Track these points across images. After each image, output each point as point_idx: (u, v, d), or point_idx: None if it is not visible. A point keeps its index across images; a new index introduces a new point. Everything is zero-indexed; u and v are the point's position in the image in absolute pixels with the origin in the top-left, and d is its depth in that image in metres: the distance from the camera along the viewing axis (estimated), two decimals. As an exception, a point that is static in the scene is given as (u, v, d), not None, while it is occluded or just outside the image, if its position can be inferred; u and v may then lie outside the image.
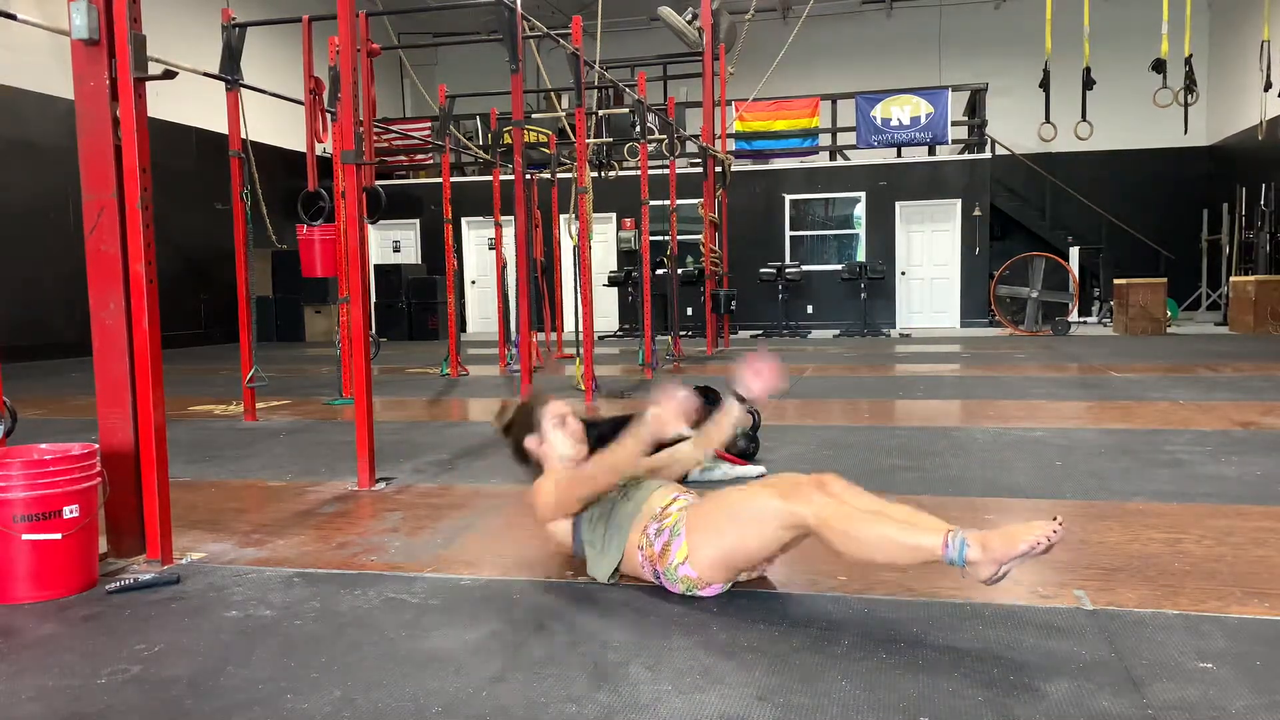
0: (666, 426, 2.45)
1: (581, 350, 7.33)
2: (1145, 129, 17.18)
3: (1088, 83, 12.84)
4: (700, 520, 2.48)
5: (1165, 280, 13.79)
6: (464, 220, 16.33)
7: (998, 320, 14.82)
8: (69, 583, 2.68)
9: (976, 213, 15.65)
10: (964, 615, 2.37)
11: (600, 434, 4.00)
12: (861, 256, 16.08)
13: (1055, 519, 2.09)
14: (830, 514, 2.27)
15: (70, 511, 2.67)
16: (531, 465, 2.88)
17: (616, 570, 2.64)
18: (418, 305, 15.64)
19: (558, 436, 2.82)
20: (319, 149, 7.09)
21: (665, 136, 11.33)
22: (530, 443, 2.85)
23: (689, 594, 2.51)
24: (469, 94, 9.99)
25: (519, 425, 2.88)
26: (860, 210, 16.29)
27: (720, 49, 13.33)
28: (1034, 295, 14.06)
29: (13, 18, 4.65)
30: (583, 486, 2.61)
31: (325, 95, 6.84)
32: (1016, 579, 2.66)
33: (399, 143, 15.81)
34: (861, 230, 16.29)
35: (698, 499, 2.65)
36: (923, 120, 15.38)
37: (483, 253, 16.59)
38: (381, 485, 4.11)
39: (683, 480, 3.94)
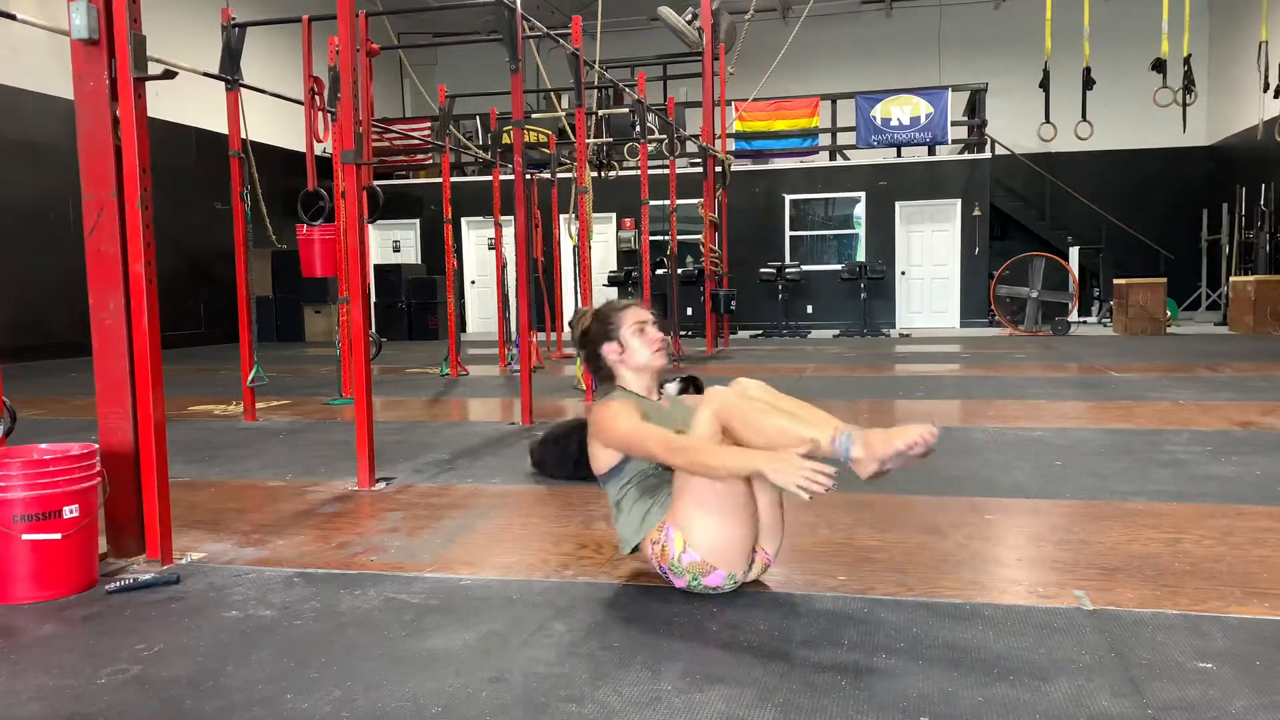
0: (781, 479, 2.23)
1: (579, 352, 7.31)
2: (1145, 129, 17.18)
3: (1088, 83, 12.85)
4: (674, 504, 2.49)
5: (1165, 280, 13.79)
6: (464, 220, 16.33)
7: (998, 320, 14.83)
8: (69, 583, 2.68)
9: (976, 213, 15.65)
10: (964, 615, 2.37)
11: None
12: (861, 256, 16.09)
13: (932, 423, 2.27)
14: (733, 406, 2.41)
15: (70, 511, 2.67)
16: (605, 375, 2.77)
17: (636, 548, 2.62)
18: (418, 305, 15.64)
19: (637, 344, 2.70)
20: (319, 149, 7.09)
21: (665, 136, 11.34)
22: (608, 349, 2.72)
23: (694, 586, 2.51)
24: (469, 94, 9.98)
25: (596, 332, 2.75)
26: (860, 210, 16.29)
27: (720, 49, 13.32)
28: (1034, 295, 14.06)
29: (13, 18, 4.65)
30: (658, 450, 2.44)
31: (325, 95, 6.84)
32: (1016, 579, 2.67)
33: (399, 143, 15.80)
34: (861, 230, 16.29)
35: None
36: (922, 120, 15.39)
37: (483, 253, 16.59)
38: (381, 485, 4.11)
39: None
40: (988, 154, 16.01)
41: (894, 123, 15.49)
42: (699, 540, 2.45)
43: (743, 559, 2.50)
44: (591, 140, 10.45)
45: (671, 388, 4.06)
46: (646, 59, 16.79)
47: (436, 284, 15.52)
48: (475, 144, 14.74)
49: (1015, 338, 13.41)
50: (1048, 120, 12.76)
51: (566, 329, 12.48)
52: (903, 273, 16.14)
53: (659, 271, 13.98)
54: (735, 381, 2.63)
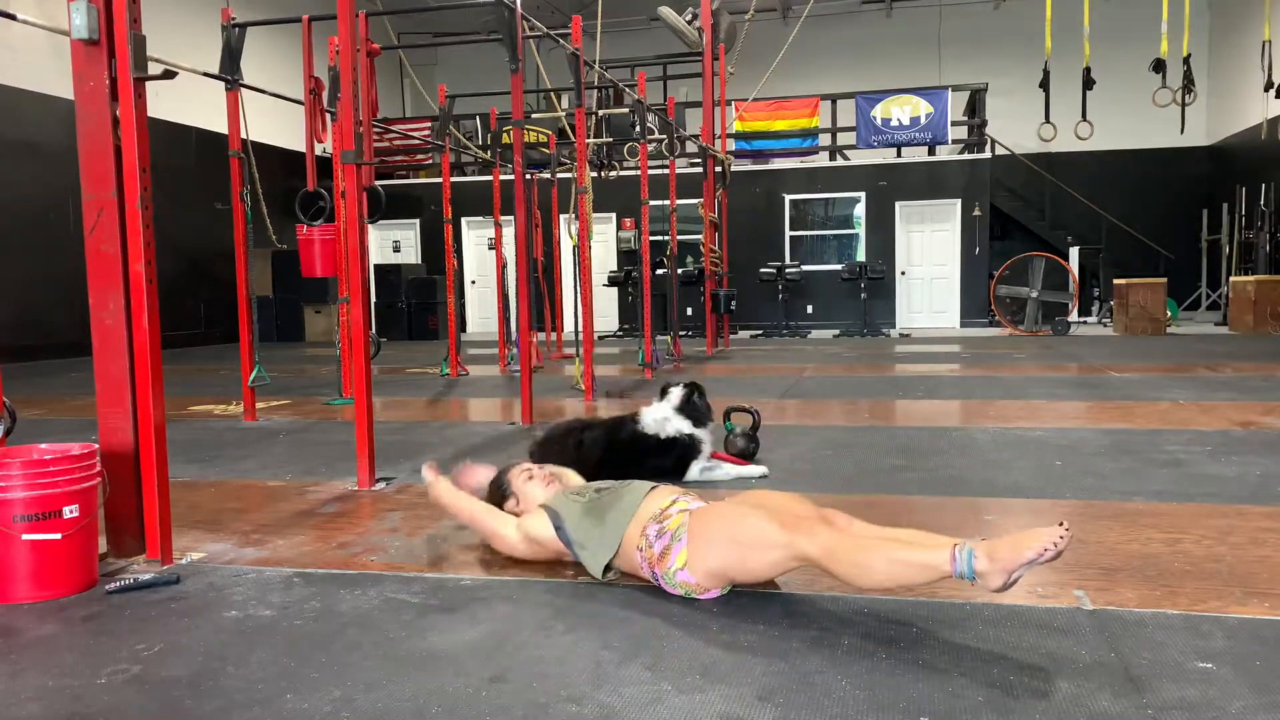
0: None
1: (581, 350, 7.33)
2: (1145, 129, 17.18)
3: (1088, 83, 12.85)
4: (702, 530, 2.48)
5: (1165, 280, 13.79)
6: (464, 220, 16.33)
7: (998, 320, 14.83)
8: (69, 583, 2.68)
9: (976, 213, 15.65)
10: (964, 615, 2.37)
11: (593, 437, 4.02)
12: (861, 256, 16.09)
13: (1061, 524, 2.07)
14: (835, 546, 2.27)
15: (70, 511, 2.67)
16: (524, 507, 3.00)
17: (609, 566, 2.66)
18: (418, 305, 15.64)
19: (529, 490, 2.99)
20: (319, 149, 7.09)
21: (665, 136, 11.33)
22: (509, 505, 3.00)
23: (687, 595, 2.52)
24: (469, 94, 9.98)
25: (496, 499, 3.05)
26: (860, 210, 16.29)
27: (720, 49, 13.32)
28: (1034, 295, 14.06)
29: (13, 18, 4.65)
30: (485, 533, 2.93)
31: (325, 95, 6.84)
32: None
33: (399, 143, 15.80)
34: (861, 230, 16.29)
35: (698, 502, 2.65)
36: (922, 120, 15.39)
37: (483, 253, 16.59)
38: (381, 485, 4.11)
39: (680, 480, 3.96)
40: (988, 154, 16.01)
41: (894, 123, 15.49)
42: (700, 568, 2.46)
43: (738, 583, 2.53)
44: (591, 140, 10.45)
45: (676, 392, 4.07)
46: (646, 59, 16.79)
47: (436, 284, 15.53)
48: (475, 144, 14.74)
49: (1015, 338, 13.41)
50: (1048, 120, 12.76)
51: (567, 328, 12.48)
52: (903, 273, 16.14)
53: (659, 271, 13.98)
54: (819, 512, 2.51)
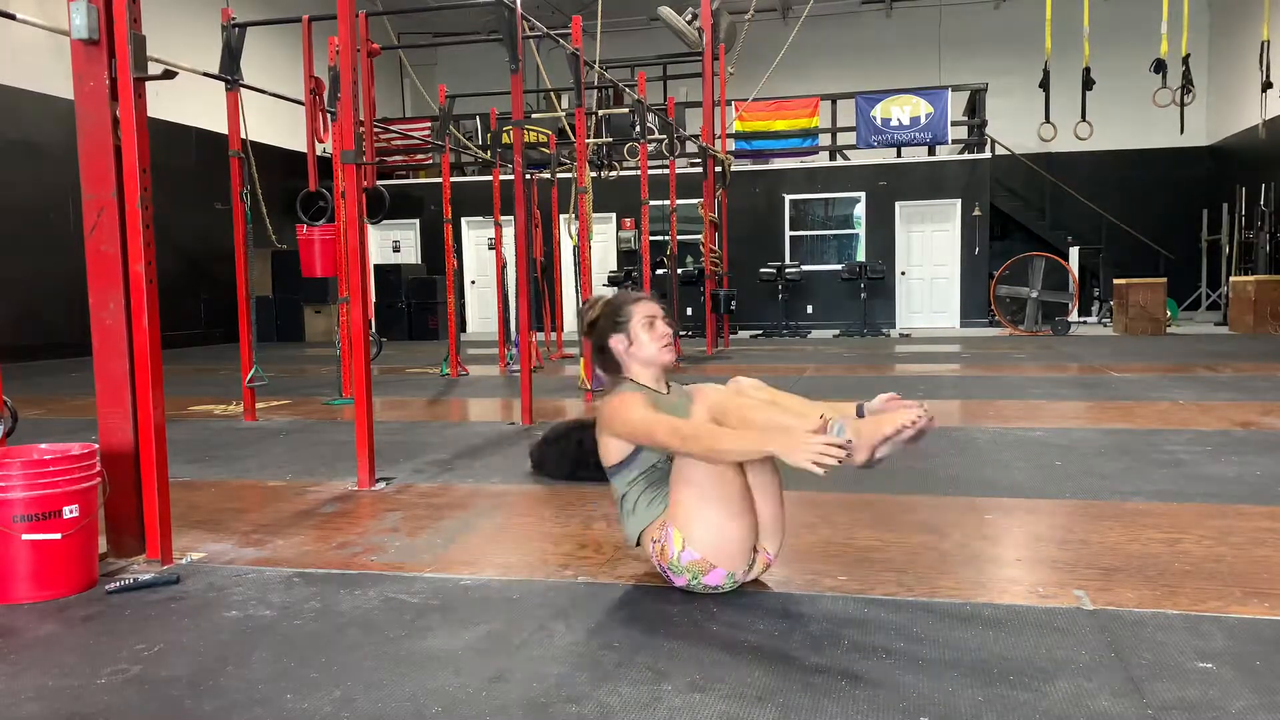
0: (793, 458, 2.20)
1: (581, 350, 7.32)
2: (1145, 129, 17.18)
3: (1088, 83, 12.85)
4: (673, 504, 2.49)
5: (1165, 280, 13.79)
6: (464, 220, 16.33)
7: (998, 320, 14.82)
8: (69, 583, 2.68)
9: (976, 213, 15.65)
10: (964, 615, 2.37)
11: (593, 437, 4.01)
12: (861, 256, 16.08)
13: (921, 404, 2.31)
14: (728, 404, 2.47)
15: (70, 511, 2.67)
16: (612, 366, 2.72)
17: (639, 540, 2.61)
18: (418, 305, 15.64)
19: (646, 338, 2.65)
20: (319, 149, 7.09)
21: (665, 136, 11.34)
22: (615, 342, 2.67)
23: (694, 585, 2.51)
24: (469, 94, 9.99)
25: (604, 323, 2.70)
26: (860, 210, 16.29)
27: (720, 49, 13.32)
28: (1034, 295, 14.06)
29: (12, 18, 4.65)
30: (669, 438, 2.39)
31: (325, 95, 6.84)
32: (1016, 579, 2.67)
33: (399, 143, 15.80)
34: (861, 230, 16.29)
35: None
36: (922, 120, 15.39)
37: (483, 253, 16.59)
38: (381, 485, 4.11)
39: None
40: (988, 154, 16.01)
41: (894, 123, 15.49)
42: (698, 538, 2.45)
43: (743, 557, 2.50)
44: (591, 140, 10.45)
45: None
46: (646, 59, 16.79)
47: (436, 284, 15.53)
48: (475, 144, 14.74)
49: (1015, 338, 13.41)
50: (1048, 120, 12.76)
51: (567, 328, 12.48)
52: (903, 273, 16.14)
53: (659, 271, 13.98)
54: (731, 380, 2.65)
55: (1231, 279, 14.39)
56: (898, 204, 16.02)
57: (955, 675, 2.02)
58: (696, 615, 2.41)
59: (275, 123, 12.70)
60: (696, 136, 12.95)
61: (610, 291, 2.89)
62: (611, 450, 2.61)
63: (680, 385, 2.78)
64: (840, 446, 2.17)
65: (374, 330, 7.72)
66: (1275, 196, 14.67)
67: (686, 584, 2.52)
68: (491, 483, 4.14)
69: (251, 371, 6.24)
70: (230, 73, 5.99)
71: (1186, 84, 12.35)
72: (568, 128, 10.78)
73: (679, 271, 13.06)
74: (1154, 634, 2.23)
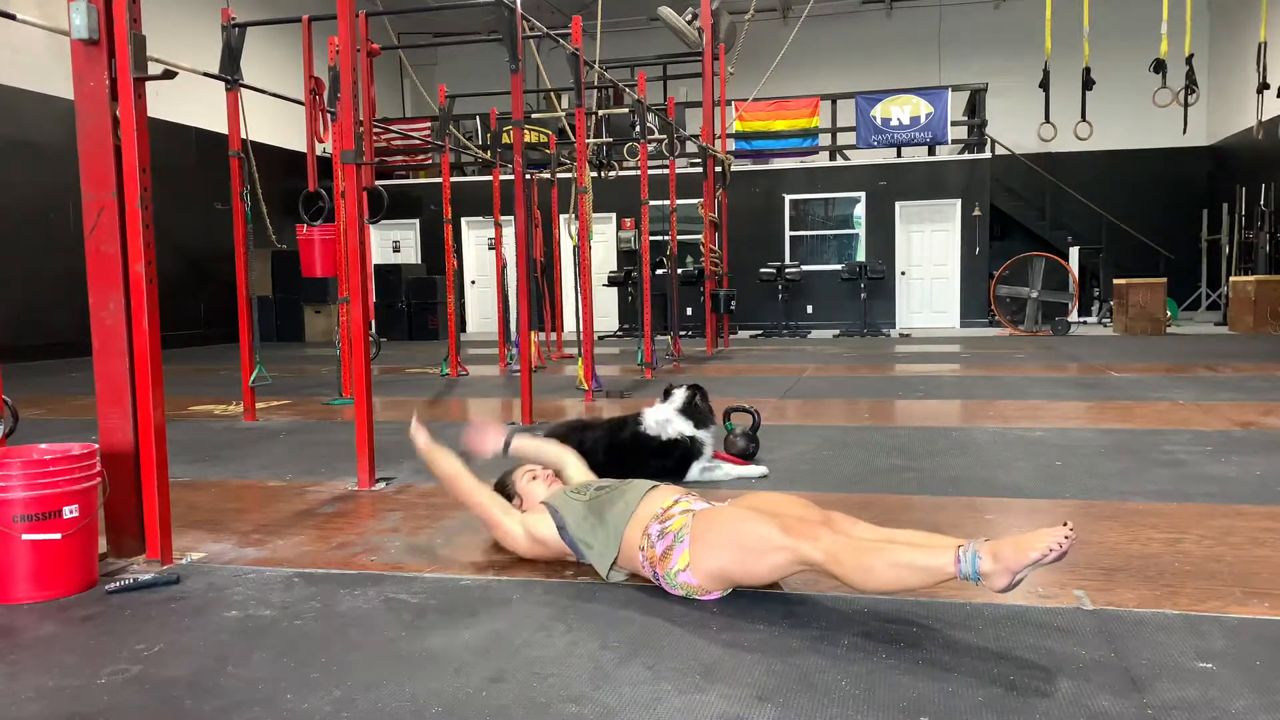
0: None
1: (581, 350, 7.33)
2: (1145, 129, 17.19)
3: (1088, 83, 12.85)
4: (705, 532, 2.47)
5: (1165, 280, 13.79)
6: (464, 220, 16.33)
7: (997, 320, 14.83)
8: (69, 583, 2.68)
9: (976, 213, 15.65)
10: (964, 615, 2.37)
11: (594, 437, 4.02)
12: (861, 256, 16.09)
13: (1066, 524, 2.06)
14: (840, 550, 2.26)
15: (70, 511, 2.67)
16: (523, 509, 3.00)
17: (614, 565, 2.66)
18: (418, 305, 15.64)
19: (532, 489, 3.00)
20: (319, 149, 7.08)
21: (665, 136, 11.33)
22: (516, 504, 3.01)
23: (688, 595, 2.52)
24: (469, 94, 9.99)
25: (503, 494, 3.07)
26: (860, 210, 16.29)
27: (720, 49, 13.32)
28: (1034, 295, 14.06)
29: (12, 18, 4.65)
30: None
31: (325, 95, 6.84)
32: (1016, 579, 2.67)
33: (399, 143, 15.80)
34: (861, 230, 16.29)
35: (701, 503, 2.65)
36: (922, 120, 15.39)
37: (483, 253, 16.59)
38: (381, 485, 4.11)
39: (681, 480, 3.96)
40: (988, 154, 16.01)
41: (894, 123, 15.49)
42: (701, 570, 2.46)
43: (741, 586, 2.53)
44: (591, 140, 10.45)
45: (679, 394, 4.07)
46: (646, 59, 16.79)
47: (436, 284, 15.53)
48: (475, 144, 14.74)
49: (1015, 338, 13.41)
50: (1048, 120, 12.76)
51: (567, 328, 12.48)
52: (903, 273, 16.14)
53: (659, 271, 13.97)
54: (822, 514, 2.53)
55: (1231, 279, 14.39)
56: (898, 204, 16.03)
57: (955, 675, 2.02)
58: (696, 615, 2.41)
59: (275, 123, 12.70)
60: (696, 136, 12.94)
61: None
62: (549, 541, 2.81)
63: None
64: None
65: (374, 330, 7.73)
66: (1275, 196, 14.67)
67: (680, 595, 2.53)
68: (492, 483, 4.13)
69: (255, 372, 6.24)
70: (230, 73, 5.99)
71: (1190, 84, 12.34)
72: (568, 128, 10.78)
73: (679, 271, 13.05)
74: (1154, 634, 2.23)
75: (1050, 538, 2.04)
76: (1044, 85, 12.93)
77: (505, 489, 3.09)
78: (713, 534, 2.46)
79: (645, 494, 2.72)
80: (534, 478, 3.06)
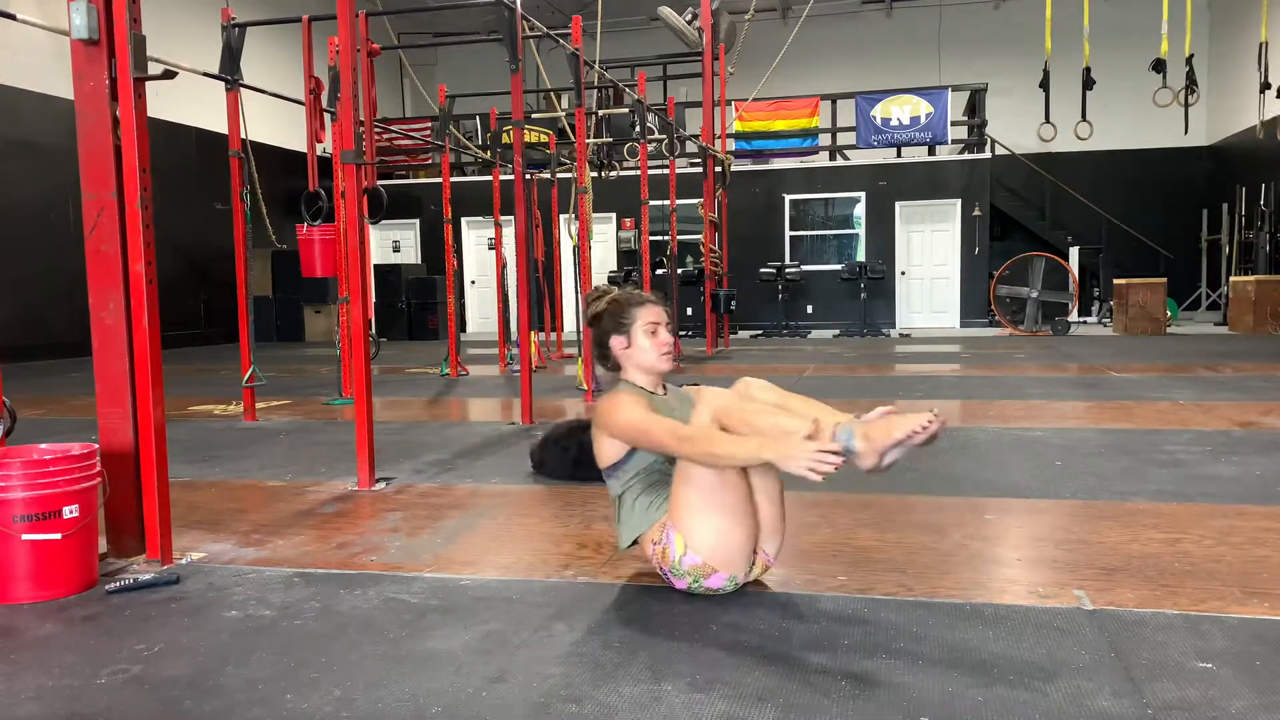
0: (789, 465, 2.19)
1: (581, 350, 7.33)
2: (1145, 129, 17.19)
3: (1088, 83, 12.84)
4: (674, 506, 2.48)
5: (1165, 280, 13.80)
6: (464, 220, 16.33)
7: (997, 320, 14.83)
8: (69, 583, 2.68)
9: (976, 213, 15.65)
10: (964, 615, 2.37)
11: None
12: (861, 256, 16.09)
13: (932, 410, 2.23)
14: (732, 407, 2.41)
15: (70, 511, 2.67)
16: (610, 363, 2.71)
17: (634, 543, 2.61)
18: (418, 305, 15.64)
19: (647, 344, 2.62)
20: (319, 149, 7.08)
21: (665, 136, 11.34)
22: (616, 343, 2.65)
23: (695, 588, 2.51)
24: (469, 94, 9.99)
25: (608, 321, 2.67)
26: (860, 210, 16.29)
27: (720, 49, 13.32)
28: (1034, 295, 14.06)
29: (12, 18, 4.65)
30: (666, 440, 2.37)
31: (325, 95, 6.84)
32: (1016, 579, 2.67)
33: (399, 143, 15.80)
34: (861, 230, 16.29)
35: None
36: (922, 120, 15.39)
37: (483, 253, 16.59)
38: (381, 485, 4.11)
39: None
40: (988, 154, 16.01)
41: (894, 123, 15.49)
42: (700, 543, 2.45)
43: (744, 561, 2.50)
44: (591, 140, 10.45)
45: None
46: (646, 59, 16.79)
47: (436, 284, 15.53)
48: (475, 144, 14.74)
49: (1015, 338, 13.41)
50: (1048, 120, 12.75)
51: (567, 328, 12.48)
52: (903, 273, 16.14)
53: (659, 271, 13.98)
54: (739, 381, 2.64)
55: (1231, 279, 14.39)
56: (898, 204, 16.03)
57: (955, 675, 2.02)
58: (697, 615, 2.41)
59: (275, 123, 12.71)
60: (696, 136, 12.94)
61: (617, 288, 2.84)
62: (606, 451, 2.61)
63: (678, 388, 2.78)
64: (836, 453, 2.16)
65: (374, 330, 7.72)
66: (1275, 196, 14.67)
67: (687, 586, 2.52)
68: (491, 483, 4.14)
69: (250, 371, 6.24)
70: (230, 73, 5.99)
71: (1190, 84, 12.34)
72: (568, 128, 10.78)
73: (679, 271, 13.06)
74: (1154, 634, 2.23)
75: (915, 420, 2.22)
76: (1044, 85, 12.92)
77: (619, 313, 2.65)
78: (676, 497, 2.46)
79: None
80: (654, 332, 2.64)
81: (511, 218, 7.31)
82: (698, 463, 2.38)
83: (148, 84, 2.94)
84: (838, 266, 15.89)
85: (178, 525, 3.32)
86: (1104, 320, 15.85)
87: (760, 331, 15.40)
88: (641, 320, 2.63)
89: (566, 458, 4.12)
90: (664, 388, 2.71)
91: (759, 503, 2.50)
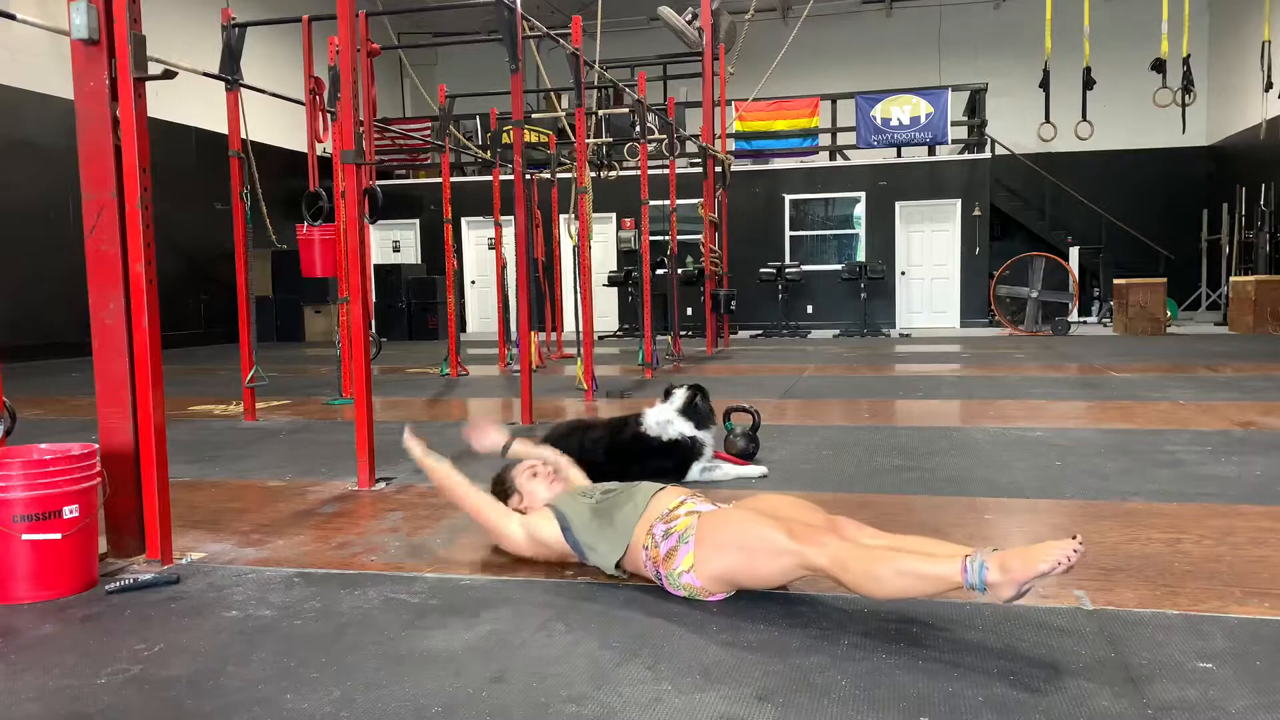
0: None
1: (581, 350, 7.33)
2: (1145, 129, 17.18)
3: (1088, 83, 12.85)
4: (711, 535, 2.47)
5: (1165, 280, 13.79)
6: (464, 220, 16.33)
7: (998, 320, 14.83)
8: (69, 583, 2.68)
9: (976, 213, 15.65)
10: (964, 615, 2.37)
11: (594, 437, 4.02)
12: (861, 256, 16.09)
13: (1075, 537, 2.05)
14: (847, 557, 2.25)
15: (70, 511, 2.67)
16: (537, 506, 2.98)
17: (619, 564, 2.65)
18: (418, 305, 15.64)
19: (532, 488, 3.00)
20: (319, 149, 7.08)
21: (665, 136, 11.34)
22: (515, 502, 3.00)
23: (690, 597, 2.51)
24: (469, 94, 9.98)
25: (499, 494, 3.04)
26: (860, 210, 16.29)
27: (720, 49, 13.32)
28: (1034, 295, 14.06)
29: (12, 18, 4.65)
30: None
31: (325, 95, 6.84)
32: (1016, 579, 2.67)
33: (399, 143, 15.80)
34: (861, 230, 16.29)
35: (706, 505, 2.64)
36: (922, 120, 15.39)
37: (483, 253, 16.59)
38: (381, 485, 4.11)
39: (681, 480, 3.96)
40: (988, 154, 16.01)
41: (894, 123, 15.49)
42: (708, 573, 2.46)
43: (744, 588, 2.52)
44: (591, 140, 10.45)
45: (680, 393, 4.07)
46: (646, 59, 16.79)
47: (436, 284, 15.53)
48: (475, 144, 14.74)
49: (1015, 338, 13.41)
50: (1048, 120, 12.76)
51: (567, 328, 12.48)
52: (903, 273, 16.14)
53: (659, 271, 13.97)
54: (827, 520, 2.52)
55: (1231, 279, 14.39)
56: (898, 204, 16.02)
57: (955, 675, 2.02)
58: (697, 615, 2.41)
59: (275, 123, 12.70)
60: (696, 136, 12.94)
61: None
62: (552, 543, 2.79)
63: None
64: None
65: (374, 330, 7.72)
66: (1275, 196, 14.66)
67: (683, 596, 2.53)
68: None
69: (251, 371, 6.24)
70: (230, 73, 5.99)
71: (1188, 84, 12.34)
72: (568, 128, 10.78)
73: (679, 271, 13.05)
74: (1154, 634, 2.23)
75: (1059, 551, 2.02)
76: (1044, 85, 12.92)
77: (504, 486, 3.07)
78: (718, 536, 2.46)
79: (653, 495, 2.71)
80: (534, 474, 3.04)
81: (511, 218, 7.31)
82: (854, 587, 2.27)
83: (148, 84, 2.94)
84: (838, 266, 15.89)
85: (178, 525, 3.32)
86: (1104, 320, 15.85)
87: (760, 331, 15.40)
88: (519, 476, 3.04)
89: (568, 458, 4.11)
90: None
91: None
